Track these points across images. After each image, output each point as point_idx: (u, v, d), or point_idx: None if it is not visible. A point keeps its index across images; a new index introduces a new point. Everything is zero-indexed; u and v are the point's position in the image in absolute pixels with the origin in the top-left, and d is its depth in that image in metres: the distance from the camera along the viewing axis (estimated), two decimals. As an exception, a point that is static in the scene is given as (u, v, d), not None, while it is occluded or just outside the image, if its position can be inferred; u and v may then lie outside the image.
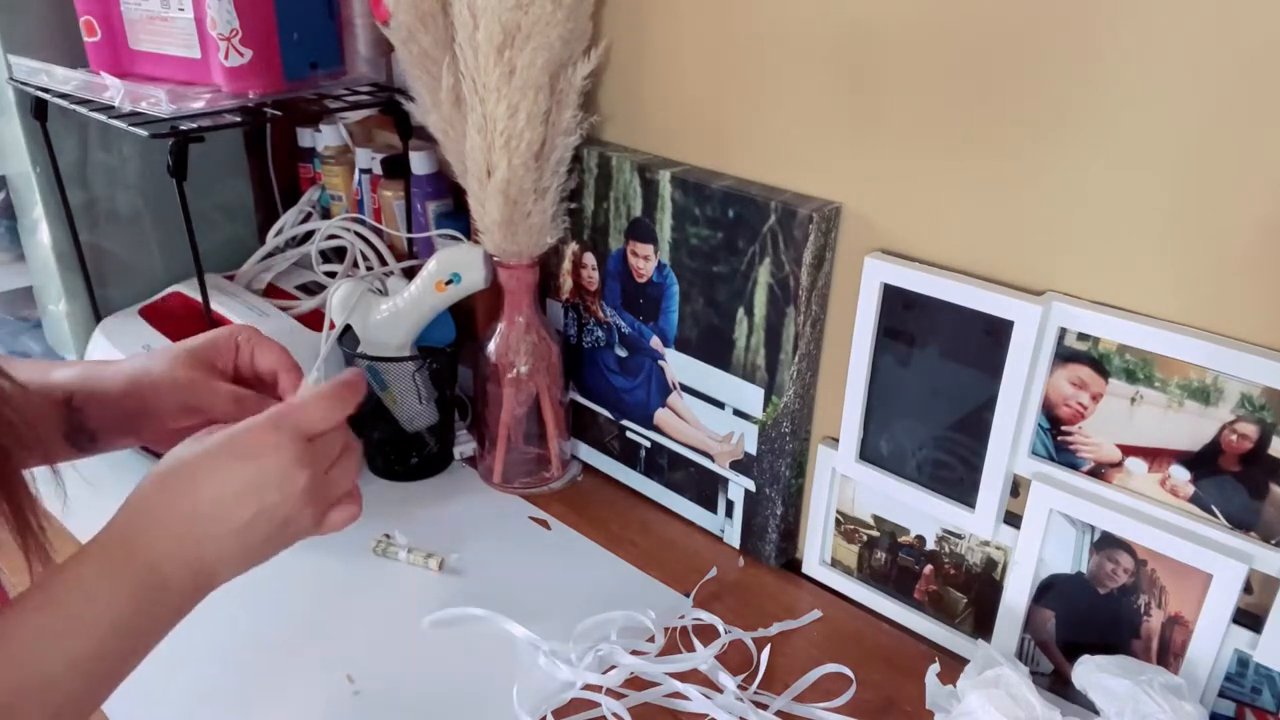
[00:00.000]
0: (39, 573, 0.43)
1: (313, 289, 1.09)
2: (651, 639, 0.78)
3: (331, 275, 1.08)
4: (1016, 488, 0.72)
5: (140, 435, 0.55)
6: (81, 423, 0.52)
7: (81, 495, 0.55)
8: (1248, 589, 0.62)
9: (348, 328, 0.95)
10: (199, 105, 0.90)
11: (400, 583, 0.85)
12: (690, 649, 0.77)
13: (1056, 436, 0.69)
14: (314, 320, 1.01)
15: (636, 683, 0.74)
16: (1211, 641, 0.64)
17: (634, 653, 0.76)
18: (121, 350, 0.97)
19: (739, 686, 0.74)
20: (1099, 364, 0.65)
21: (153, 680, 0.77)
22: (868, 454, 0.80)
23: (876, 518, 0.82)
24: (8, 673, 0.39)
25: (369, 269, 1.07)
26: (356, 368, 0.51)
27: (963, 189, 0.69)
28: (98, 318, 1.08)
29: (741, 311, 0.82)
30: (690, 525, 0.94)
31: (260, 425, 0.46)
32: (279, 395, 0.57)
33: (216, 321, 0.95)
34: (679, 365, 0.89)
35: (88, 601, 0.41)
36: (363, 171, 1.11)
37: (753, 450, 0.86)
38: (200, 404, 0.54)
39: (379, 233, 1.09)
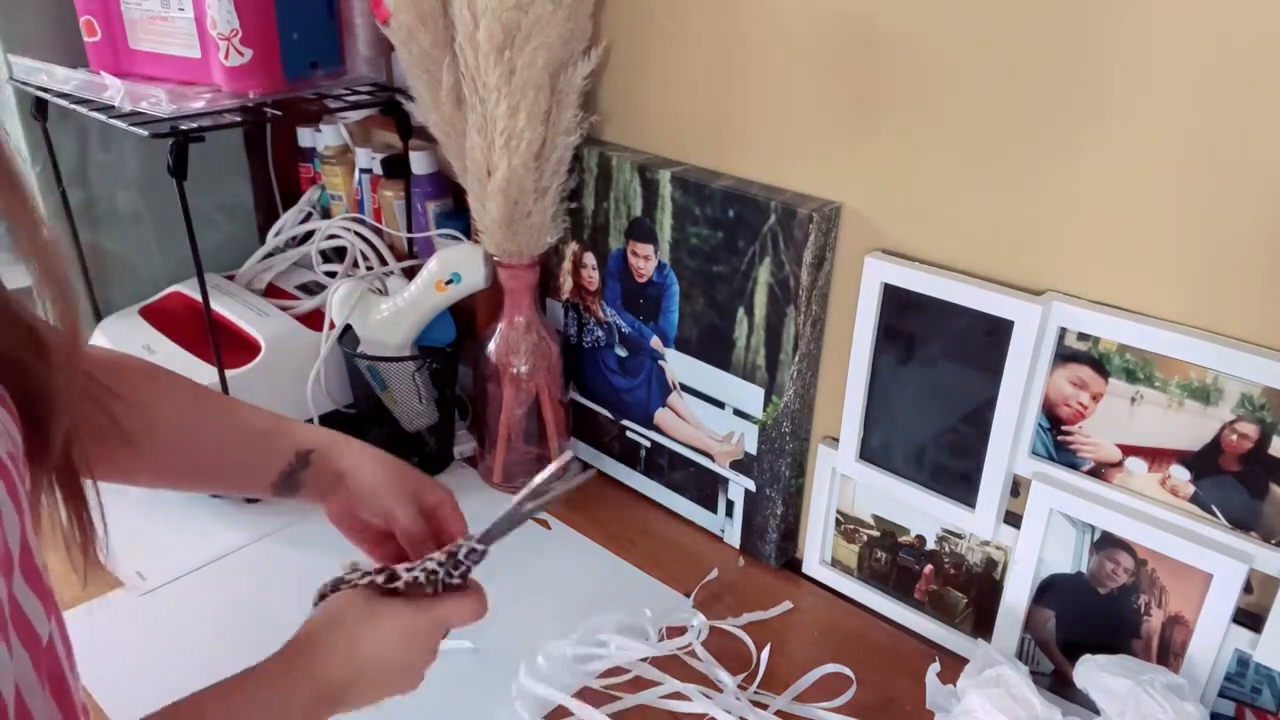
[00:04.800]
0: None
1: (313, 289, 1.09)
2: (653, 639, 0.78)
3: (331, 275, 1.08)
4: (1016, 488, 0.72)
5: (329, 505, 0.63)
6: (300, 475, 0.61)
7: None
8: (1248, 589, 0.62)
9: (348, 327, 0.95)
10: (199, 105, 0.90)
11: (400, 583, 0.85)
12: (690, 649, 0.77)
13: (1056, 436, 0.69)
14: (314, 320, 1.01)
15: (636, 683, 0.74)
16: (1212, 641, 0.64)
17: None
18: (122, 349, 0.97)
19: (739, 686, 0.74)
20: (1099, 364, 0.65)
21: (153, 680, 0.76)
22: (868, 454, 0.80)
23: (876, 517, 0.82)
24: None
25: (369, 269, 1.07)
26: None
27: (963, 189, 0.69)
28: (98, 317, 1.08)
29: (741, 311, 0.82)
30: (690, 525, 0.94)
31: (424, 621, 0.57)
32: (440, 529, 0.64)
33: (217, 321, 0.95)
34: (679, 365, 0.89)
35: (278, 693, 0.52)
36: (363, 171, 1.11)
37: (753, 450, 0.86)
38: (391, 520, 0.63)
39: (379, 233, 1.09)
